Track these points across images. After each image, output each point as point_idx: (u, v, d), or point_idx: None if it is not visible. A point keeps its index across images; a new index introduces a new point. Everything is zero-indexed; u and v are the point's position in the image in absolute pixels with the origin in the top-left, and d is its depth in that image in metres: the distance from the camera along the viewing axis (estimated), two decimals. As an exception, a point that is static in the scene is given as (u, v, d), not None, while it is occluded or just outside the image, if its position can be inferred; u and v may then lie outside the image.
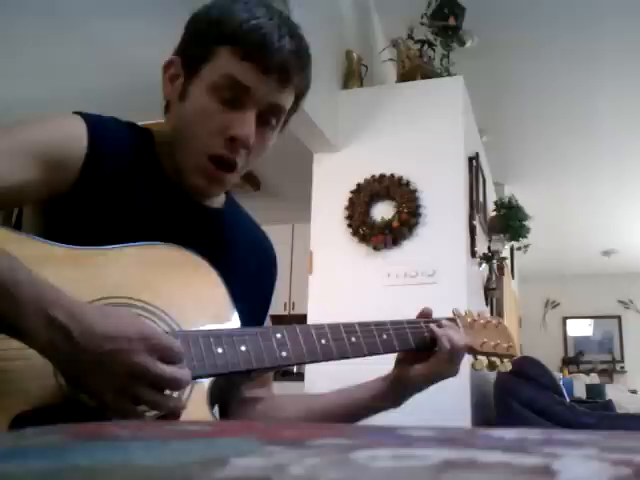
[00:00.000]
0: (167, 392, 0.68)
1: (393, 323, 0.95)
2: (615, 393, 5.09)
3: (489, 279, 3.75)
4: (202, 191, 0.91)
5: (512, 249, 5.09)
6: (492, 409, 3.22)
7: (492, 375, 3.33)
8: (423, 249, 2.99)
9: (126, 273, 0.77)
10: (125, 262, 0.78)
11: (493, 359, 1.06)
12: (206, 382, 0.76)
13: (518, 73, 4.19)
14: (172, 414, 0.69)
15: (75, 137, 0.83)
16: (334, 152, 3.23)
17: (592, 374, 7.50)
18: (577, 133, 4.93)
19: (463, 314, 1.07)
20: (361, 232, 3.08)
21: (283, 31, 0.85)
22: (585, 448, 0.25)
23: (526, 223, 4.01)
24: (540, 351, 5.46)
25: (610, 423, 3.02)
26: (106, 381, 0.65)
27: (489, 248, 3.82)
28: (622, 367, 8.78)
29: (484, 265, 3.55)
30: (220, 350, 0.76)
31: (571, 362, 8.82)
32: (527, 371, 3.21)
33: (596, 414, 3.16)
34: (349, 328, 0.89)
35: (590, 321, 9.15)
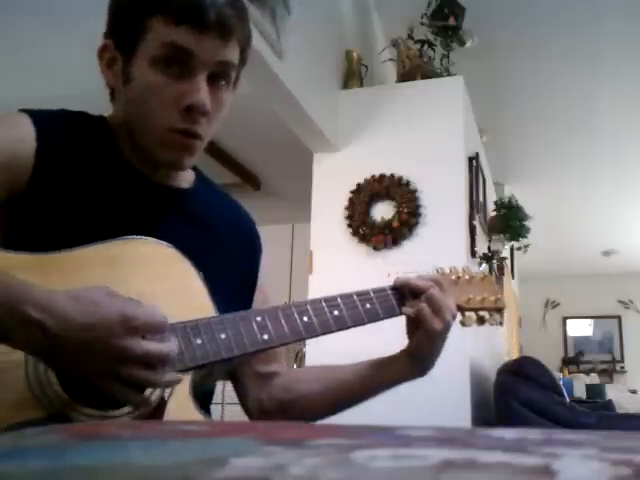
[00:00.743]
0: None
1: (375, 291, 0.94)
2: (615, 393, 5.09)
3: (489, 279, 3.74)
4: (175, 164, 0.87)
5: (512, 249, 5.08)
6: (492, 409, 3.22)
7: (492, 375, 3.34)
8: (423, 249, 2.98)
9: (95, 273, 0.75)
10: (92, 262, 0.76)
11: (482, 314, 1.03)
12: (188, 375, 0.74)
13: (518, 73, 4.19)
14: (170, 386, 0.70)
15: (22, 135, 0.81)
16: (334, 152, 3.23)
17: (592, 374, 7.49)
18: (577, 133, 4.93)
19: (448, 271, 1.04)
20: (361, 232, 3.08)
21: None
22: (585, 448, 0.25)
23: (526, 223, 4.01)
24: (540, 351, 5.46)
25: (610, 423, 3.01)
26: (95, 369, 0.65)
27: (489, 248, 3.82)
28: (622, 367, 8.77)
29: (484, 265, 3.54)
30: (199, 341, 0.74)
31: (571, 362, 8.81)
32: (527, 371, 3.21)
33: (596, 414, 3.15)
34: (331, 302, 0.87)
35: (590, 321, 9.14)
